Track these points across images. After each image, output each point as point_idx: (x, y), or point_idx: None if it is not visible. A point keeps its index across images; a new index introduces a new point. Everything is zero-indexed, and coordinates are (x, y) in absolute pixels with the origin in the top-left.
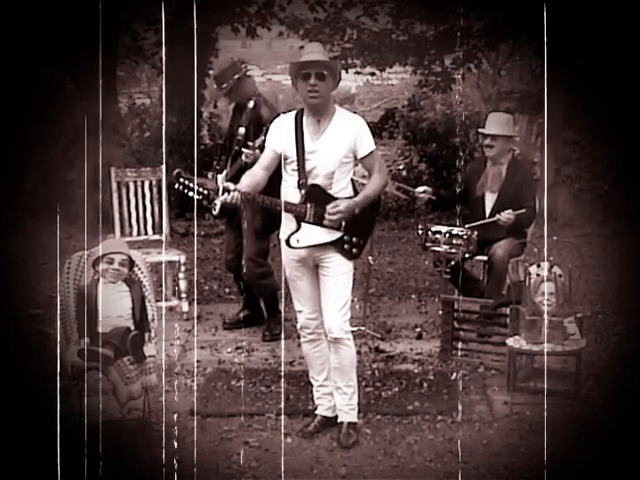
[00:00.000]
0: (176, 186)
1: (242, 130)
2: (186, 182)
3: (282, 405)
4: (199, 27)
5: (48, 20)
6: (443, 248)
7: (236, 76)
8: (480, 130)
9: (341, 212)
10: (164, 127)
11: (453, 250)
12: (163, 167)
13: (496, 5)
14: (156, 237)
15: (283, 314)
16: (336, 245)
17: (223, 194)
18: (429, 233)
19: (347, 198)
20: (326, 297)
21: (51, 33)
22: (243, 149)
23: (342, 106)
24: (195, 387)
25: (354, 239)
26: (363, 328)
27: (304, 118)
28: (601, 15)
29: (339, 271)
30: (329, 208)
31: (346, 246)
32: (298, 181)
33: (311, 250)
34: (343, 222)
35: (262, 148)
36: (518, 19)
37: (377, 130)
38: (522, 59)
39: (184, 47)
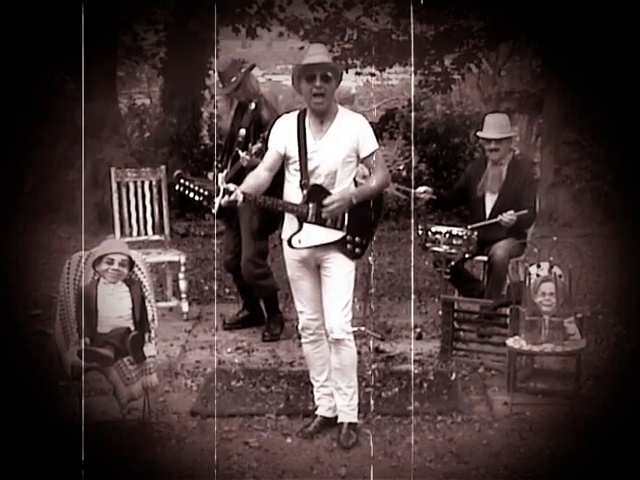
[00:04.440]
0: (177, 187)
1: (243, 132)
2: (187, 183)
3: (282, 405)
4: (200, 29)
5: (48, 20)
6: (443, 248)
7: (243, 69)
8: (482, 135)
9: (337, 201)
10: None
11: (453, 250)
12: (163, 167)
13: (496, 5)
14: (156, 237)
15: (283, 314)
16: (338, 245)
17: (224, 196)
18: (429, 233)
19: None
20: (328, 298)
21: (51, 33)
22: (240, 153)
23: (342, 106)
24: (195, 387)
25: (357, 239)
26: (363, 328)
27: (307, 118)
28: (601, 15)
29: (341, 271)
30: (325, 202)
31: (349, 246)
32: (300, 181)
33: (313, 250)
34: (346, 218)
35: (259, 154)
36: (518, 19)
37: (377, 130)
38: (522, 59)
39: (184, 47)
